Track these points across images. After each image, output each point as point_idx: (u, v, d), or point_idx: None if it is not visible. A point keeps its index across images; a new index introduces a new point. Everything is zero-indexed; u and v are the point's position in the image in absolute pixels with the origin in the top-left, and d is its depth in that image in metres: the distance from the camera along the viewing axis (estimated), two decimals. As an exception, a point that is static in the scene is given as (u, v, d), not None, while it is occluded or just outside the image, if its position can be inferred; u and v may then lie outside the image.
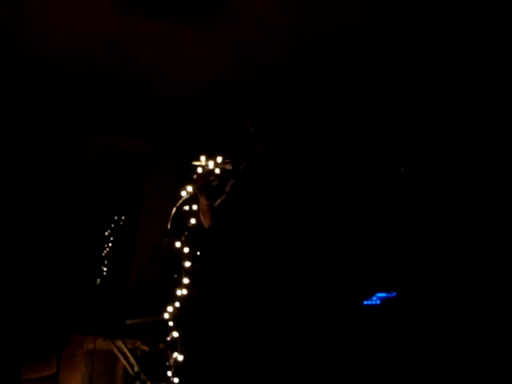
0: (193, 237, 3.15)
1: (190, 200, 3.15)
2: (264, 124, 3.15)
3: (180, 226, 3.15)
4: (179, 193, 3.16)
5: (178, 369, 3.09)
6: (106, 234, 5.27)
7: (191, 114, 5.16)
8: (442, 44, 4.01)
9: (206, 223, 3.10)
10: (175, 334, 3.11)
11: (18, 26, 4.04)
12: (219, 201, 3.13)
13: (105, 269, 5.14)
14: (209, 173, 3.03)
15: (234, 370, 2.92)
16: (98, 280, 5.07)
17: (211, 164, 3.09)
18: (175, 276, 3.15)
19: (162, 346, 3.75)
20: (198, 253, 3.20)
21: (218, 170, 3.09)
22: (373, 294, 4.44)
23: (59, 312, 4.19)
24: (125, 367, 3.84)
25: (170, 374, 3.13)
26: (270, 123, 3.15)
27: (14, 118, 5.02)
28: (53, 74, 4.76)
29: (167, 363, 3.15)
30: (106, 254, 5.21)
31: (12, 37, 4.18)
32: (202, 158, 3.13)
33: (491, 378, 3.82)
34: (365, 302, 4.43)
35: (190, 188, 3.11)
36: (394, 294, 4.42)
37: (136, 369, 3.63)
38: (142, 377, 3.56)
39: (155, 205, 5.10)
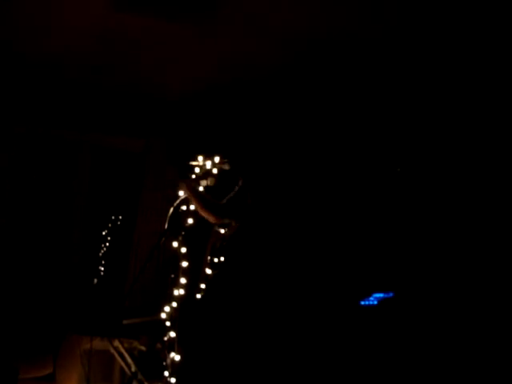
0: (190, 236, 3.15)
1: (188, 200, 3.14)
2: (264, 123, 3.16)
3: (177, 225, 3.15)
4: (176, 192, 3.16)
5: (175, 368, 3.09)
6: (104, 233, 5.26)
7: (189, 114, 5.16)
8: (439, 45, 4.01)
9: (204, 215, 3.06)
10: (172, 334, 3.11)
11: (17, 25, 4.03)
12: (228, 196, 3.10)
13: (102, 268, 5.14)
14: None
15: (231, 369, 2.92)
16: (95, 280, 5.07)
17: (209, 164, 3.10)
18: (172, 276, 3.16)
19: (159, 345, 3.75)
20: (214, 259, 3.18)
21: (215, 170, 3.10)
22: (370, 295, 4.44)
23: (56, 312, 4.19)
24: (122, 367, 3.84)
25: (166, 373, 3.13)
26: (269, 121, 3.16)
27: (12, 117, 5.01)
28: (51, 73, 4.75)
29: (164, 363, 3.15)
30: (103, 253, 5.20)
31: (10, 36, 4.17)
32: (200, 158, 3.14)
33: (489, 378, 3.83)
34: (362, 303, 4.44)
35: (187, 187, 3.12)
36: (391, 294, 4.42)
37: (133, 368, 3.64)
38: (139, 376, 3.57)
39: (153, 204, 5.10)
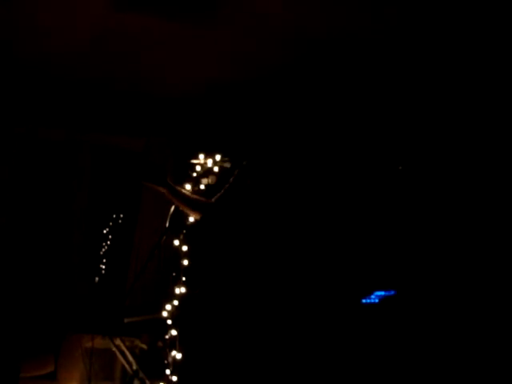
0: (191, 235, 3.16)
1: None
2: (264, 121, 3.17)
3: (178, 224, 3.16)
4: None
5: (177, 367, 3.10)
6: (105, 232, 5.26)
7: (189, 113, 5.17)
8: (439, 45, 4.03)
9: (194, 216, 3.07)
10: (173, 332, 3.12)
11: (17, 25, 4.04)
12: (217, 196, 3.12)
13: (103, 267, 5.14)
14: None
15: (233, 367, 2.93)
16: (97, 278, 5.07)
17: (210, 162, 3.12)
18: (174, 274, 3.17)
19: (160, 344, 3.76)
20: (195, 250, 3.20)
21: (216, 169, 3.12)
22: (371, 293, 4.45)
23: (58, 310, 4.19)
24: (123, 365, 3.85)
25: (168, 372, 3.14)
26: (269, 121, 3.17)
27: (12, 117, 5.01)
28: (51, 72, 4.76)
29: (165, 361, 3.16)
30: (104, 252, 5.20)
31: (10, 36, 4.17)
32: (201, 156, 3.15)
33: (490, 377, 3.83)
34: (363, 301, 4.44)
35: (188, 186, 3.13)
36: (393, 292, 4.43)
37: (134, 367, 3.65)
38: (141, 375, 3.58)
39: (153, 203, 5.10)
